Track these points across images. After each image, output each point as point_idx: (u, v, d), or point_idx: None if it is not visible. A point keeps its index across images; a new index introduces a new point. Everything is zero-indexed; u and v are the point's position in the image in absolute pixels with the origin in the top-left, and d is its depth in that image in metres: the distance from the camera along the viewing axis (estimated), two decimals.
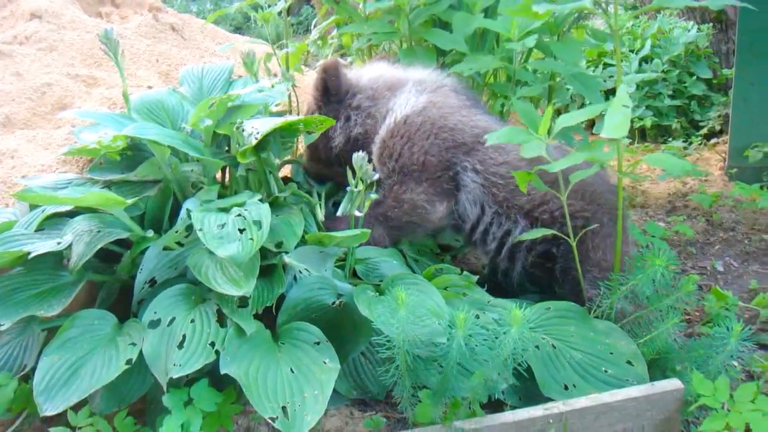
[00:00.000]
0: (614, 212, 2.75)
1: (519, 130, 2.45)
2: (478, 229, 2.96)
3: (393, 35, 3.89)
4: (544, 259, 2.91)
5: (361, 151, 2.54)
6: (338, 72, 3.21)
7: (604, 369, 2.41)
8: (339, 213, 3.01)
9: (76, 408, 2.23)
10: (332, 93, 3.22)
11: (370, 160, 2.61)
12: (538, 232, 2.65)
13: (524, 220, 2.85)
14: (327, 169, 3.29)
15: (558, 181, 2.49)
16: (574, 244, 2.61)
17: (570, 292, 2.81)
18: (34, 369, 2.22)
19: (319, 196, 3.11)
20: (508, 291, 3.02)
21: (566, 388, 2.37)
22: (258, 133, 2.53)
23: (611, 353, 2.43)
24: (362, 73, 3.30)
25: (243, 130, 2.62)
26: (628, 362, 2.42)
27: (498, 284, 3.06)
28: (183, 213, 2.48)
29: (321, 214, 2.96)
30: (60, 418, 2.26)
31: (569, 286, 2.82)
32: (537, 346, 2.44)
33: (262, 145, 2.64)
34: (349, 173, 2.57)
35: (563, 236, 2.67)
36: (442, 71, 3.34)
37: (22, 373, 2.38)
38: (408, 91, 3.16)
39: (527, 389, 2.41)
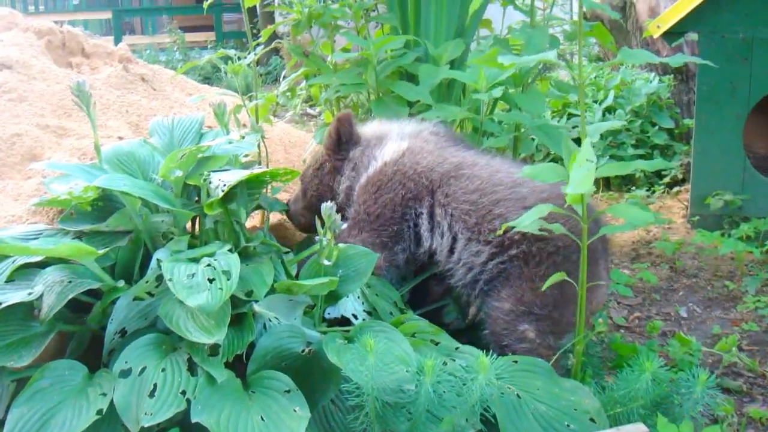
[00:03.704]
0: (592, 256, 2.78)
1: (557, 167, 2.52)
2: (452, 258, 3.00)
3: (361, 87, 3.95)
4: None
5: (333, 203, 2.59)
6: (351, 122, 3.31)
7: (566, 423, 2.41)
8: None
9: None
10: (344, 141, 3.31)
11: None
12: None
13: (497, 238, 2.87)
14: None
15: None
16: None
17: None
18: (3, 421, 2.21)
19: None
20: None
21: None
22: (224, 185, 2.57)
23: (575, 409, 2.45)
24: (366, 129, 3.39)
25: (210, 183, 2.66)
26: (591, 419, 2.44)
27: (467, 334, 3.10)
28: (153, 263, 2.50)
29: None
30: None
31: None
32: (502, 393, 2.46)
33: (228, 197, 2.67)
34: (318, 222, 2.60)
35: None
36: (422, 119, 3.42)
37: None
38: (391, 139, 3.24)
39: None
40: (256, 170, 2.71)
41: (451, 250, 3.00)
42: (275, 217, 3.59)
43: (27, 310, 2.49)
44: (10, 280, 2.53)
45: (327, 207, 2.55)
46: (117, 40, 14.23)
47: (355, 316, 2.86)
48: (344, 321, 2.87)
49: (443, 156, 3.10)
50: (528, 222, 2.50)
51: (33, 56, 4.22)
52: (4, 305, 2.35)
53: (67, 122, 3.76)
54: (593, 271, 2.80)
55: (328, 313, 2.89)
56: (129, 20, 23.79)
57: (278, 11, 5.43)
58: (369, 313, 2.91)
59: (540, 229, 2.54)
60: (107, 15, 19.84)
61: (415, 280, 3.28)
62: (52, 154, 3.39)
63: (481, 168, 3.03)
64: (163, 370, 2.27)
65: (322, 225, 2.58)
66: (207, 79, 12.74)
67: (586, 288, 2.64)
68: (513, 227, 2.66)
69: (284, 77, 4.65)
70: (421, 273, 3.28)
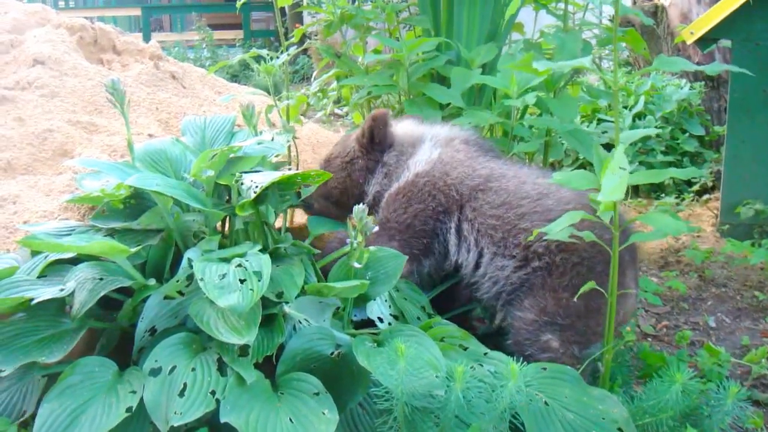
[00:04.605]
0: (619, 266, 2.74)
1: (588, 173, 2.50)
2: (478, 272, 3.00)
3: (392, 88, 3.96)
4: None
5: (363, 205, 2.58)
6: (386, 123, 3.28)
7: None
8: None
9: None
10: (376, 142, 3.29)
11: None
12: None
13: (522, 252, 2.88)
14: (337, 210, 3.36)
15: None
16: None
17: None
18: (33, 415, 2.22)
19: None
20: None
21: None
22: (257, 186, 2.57)
23: (603, 418, 2.42)
24: (397, 129, 3.36)
25: (242, 184, 2.66)
26: (620, 429, 2.41)
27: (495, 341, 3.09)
28: (184, 262, 2.50)
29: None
30: None
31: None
32: (530, 401, 2.44)
33: (260, 198, 2.67)
34: (350, 226, 2.60)
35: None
36: (455, 124, 3.39)
37: (21, 420, 2.39)
38: (424, 147, 3.23)
39: None
40: (288, 172, 2.71)
41: (477, 265, 3.00)
42: (303, 218, 3.59)
43: (58, 306, 2.51)
44: (42, 275, 2.54)
45: (359, 210, 2.54)
46: (146, 37, 14.32)
47: (381, 319, 2.86)
48: (371, 323, 2.87)
49: (473, 167, 3.10)
50: (557, 230, 2.48)
51: (65, 52, 4.24)
52: (36, 301, 2.36)
53: (98, 119, 3.79)
54: (620, 282, 2.78)
55: (355, 315, 2.89)
56: (158, 17, 23.94)
57: (307, 12, 5.43)
58: (396, 317, 2.91)
59: (569, 236, 2.52)
60: (136, 12, 19.96)
61: (443, 285, 3.27)
62: (83, 150, 3.42)
63: (508, 180, 3.03)
64: (193, 369, 2.28)
65: (354, 227, 2.57)
66: (235, 77, 12.77)
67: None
68: (539, 238, 2.67)
69: (315, 78, 4.66)
70: (449, 278, 3.27)
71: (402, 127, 3.37)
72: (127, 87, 4.05)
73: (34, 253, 2.65)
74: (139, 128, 3.72)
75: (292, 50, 3.88)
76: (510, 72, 3.36)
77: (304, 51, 12.66)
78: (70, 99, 3.87)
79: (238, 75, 13.44)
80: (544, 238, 2.69)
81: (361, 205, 2.55)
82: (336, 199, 3.35)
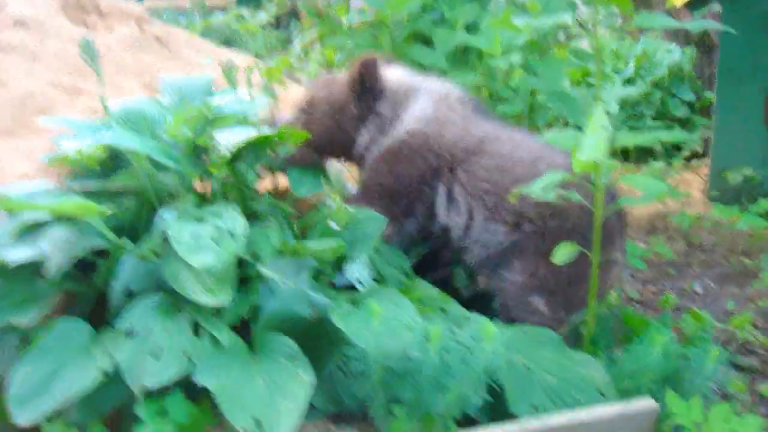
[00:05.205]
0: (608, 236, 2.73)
1: (578, 134, 2.46)
2: (468, 236, 2.98)
3: (376, 49, 3.92)
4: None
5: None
6: (377, 69, 3.13)
7: (575, 395, 2.39)
8: None
9: (51, 418, 2.21)
10: (368, 89, 3.13)
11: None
12: None
13: (514, 218, 2.86)
14: (320, 158, 3.20)
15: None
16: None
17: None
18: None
19: None
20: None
21: (536, 409, 2.36)
22: (231, 145, 2.53)
23: (583, 381, 2.42)
24: (391, 77, 3.20)
25: (217, 142, 2.62)
26: (600, 393, 2.40)
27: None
28: (159, 222, 2.47)
29: None
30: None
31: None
32: (510, 363, 2.42)
33: (236, 157, 2.63)
34: (326, 187, 2.56)
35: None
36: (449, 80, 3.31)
37: None
38: (419, 101, 3.11)
39: (500, 410, 2.40)
40: (264, 131, 2.67)
41: (467, 228, 2.96)
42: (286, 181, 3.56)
43: (33, 269, 2.47)
44: (16, 238, 2.51)
45: (336, 171, 2.51)
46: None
47: (361, 282, 2.83)
48: (353, 288, 2.84)
49: (467, 128, 3.02)
50: (539, 189, 2.45)
51: (48, 15, 4.18)
52: (10, 263, 2.32)
53: (80, 82, 3.73)
54: (608, 250, 2.76)
55: (338, 281, 2.86)
56: None
57: None
58: (377, 281, 2.88)
59: (555, 202, 2.49)
60: None
61: (426, 249, 3.23)
62: (66, 113, 3.37)
63: (502, 143, 2.97)
64: (168, 331, 2.25)
65: (331, 188, 2.54)
66: (226, 42, 12.66)
67: (600, 267, 2.60)
68: (531, 203, 2.66)
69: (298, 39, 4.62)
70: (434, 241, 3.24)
71: (393, 74, 3.22)
72: (112, 50, 4.00)
73: (11, 215, 2.61)
74: (124, 91, 3.68)
75: (273, 10, 3.84)
76: (493, 32, 3.32)
77: (296, 17, 12.57)
78: (53, 62, 3.81)
79: (230, 40, 13.35)
80: (536, 202, 2.67)
81: (338, 163, 2.52)
82: (318, 146, 3.17)
